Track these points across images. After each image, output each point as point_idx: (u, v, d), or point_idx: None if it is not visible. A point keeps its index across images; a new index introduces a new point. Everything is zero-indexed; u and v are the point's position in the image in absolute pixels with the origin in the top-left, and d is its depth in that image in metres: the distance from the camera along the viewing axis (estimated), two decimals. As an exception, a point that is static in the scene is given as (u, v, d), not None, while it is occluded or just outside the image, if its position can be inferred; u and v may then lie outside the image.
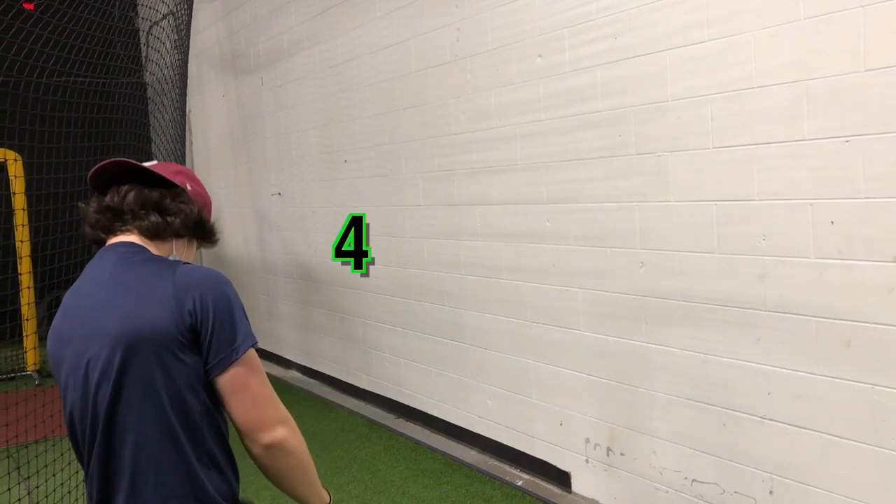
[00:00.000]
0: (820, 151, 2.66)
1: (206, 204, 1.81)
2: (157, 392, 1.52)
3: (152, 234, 1.67)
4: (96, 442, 1.55)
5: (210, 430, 1.59)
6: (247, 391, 1.57)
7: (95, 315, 1.56)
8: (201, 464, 1.57)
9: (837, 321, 2.67)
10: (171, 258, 1.69)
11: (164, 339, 1.51)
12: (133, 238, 1.67)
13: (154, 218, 1.66)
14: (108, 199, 1.67)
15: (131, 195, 1.66)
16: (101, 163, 1.65)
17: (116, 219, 1.67)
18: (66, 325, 1.61)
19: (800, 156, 2.72)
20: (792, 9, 2.69)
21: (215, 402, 1.60)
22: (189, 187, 1.75)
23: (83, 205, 1.71)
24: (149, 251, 1.65)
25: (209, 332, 1.54)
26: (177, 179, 1.73)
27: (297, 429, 1.65)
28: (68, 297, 1.65)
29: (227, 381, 1.56)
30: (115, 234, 1.68)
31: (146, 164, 1.71)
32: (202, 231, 1.77)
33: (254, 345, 1.60)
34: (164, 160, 6.46)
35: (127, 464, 1.54)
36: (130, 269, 1.59)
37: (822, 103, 2.64)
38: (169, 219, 1.67)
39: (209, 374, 1.56)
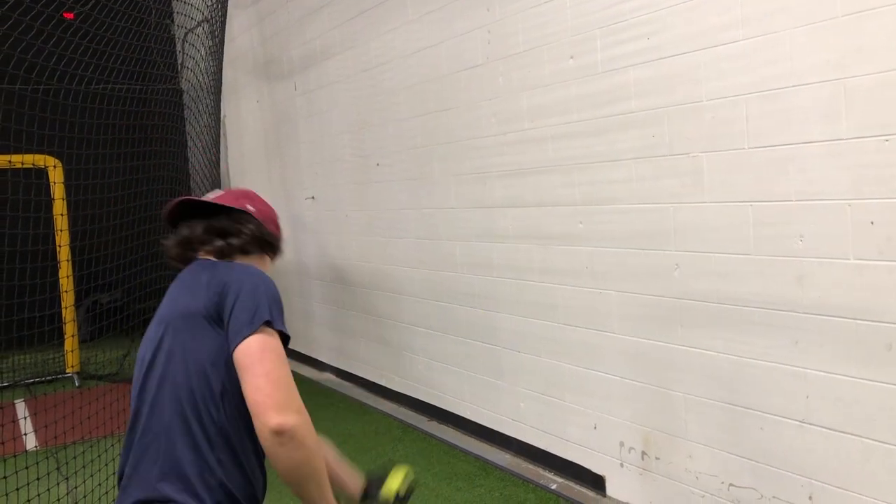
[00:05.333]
0: (858, 150, 2.61)
1: (267, 218, 2.01)
2: (180, 363, 1.65)
3: (219, 256, 1.88)
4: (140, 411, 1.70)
5: (231, 413, 1.62)
6: (259, 366, 1.55)
7: (164, 306, 1.81)
8: (210, 444, 1.59)
9: (879, 323, 2.61)
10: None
11: (192, 316, 1.67)
12: (209, 256, 1.89)
13: (218, 243, 1.88)
14: (182, 231, 1.90)
15: (199, 227, 1.88)
16: (172, 202, 1.90)
17: (189, 248, 1.89)
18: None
19: (838, 155, 2.67)
20: (828, 6, 2.65)
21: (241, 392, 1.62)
22: (251, 208, 1.95)
23: (164, 241, 1.94)
24: (219, 261, 1.85)
25: (231, 308, 1.63)
26: (238, 204, 1.94)
27: (311, 426, 1.58)
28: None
29: (240, 355, 1.58)
30: (192, 259, 1.90)
31: (210, 196, 1.94)
32: (267, 243, 1.97)
33: (272, 323, 1.61)
34: (201, 165, 6.55)
35: (147, 429, 1.66)
36: (194, 270, 1.81)
37: (860, 101, 2.59)
38: (231, 241, 1.88)
39: (229, 349, 1.61)
